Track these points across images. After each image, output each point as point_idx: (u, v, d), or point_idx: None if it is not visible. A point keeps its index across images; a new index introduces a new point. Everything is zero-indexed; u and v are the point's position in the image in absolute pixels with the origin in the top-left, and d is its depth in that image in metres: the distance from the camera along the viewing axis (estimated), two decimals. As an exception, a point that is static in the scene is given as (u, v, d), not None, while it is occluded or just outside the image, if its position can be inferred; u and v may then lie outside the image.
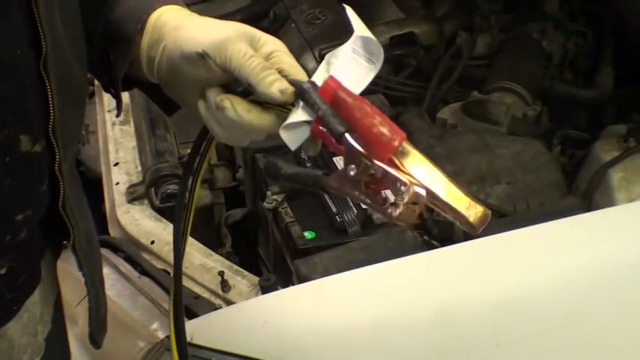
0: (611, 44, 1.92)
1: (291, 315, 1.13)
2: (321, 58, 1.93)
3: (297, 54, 1.82)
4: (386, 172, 0.73)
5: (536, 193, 1.51)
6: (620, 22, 1.93)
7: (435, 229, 1.45)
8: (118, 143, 1.80)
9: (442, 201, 0.74)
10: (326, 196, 1.49)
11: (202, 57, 0.82)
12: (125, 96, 1.91)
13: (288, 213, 1.46)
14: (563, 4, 2.03)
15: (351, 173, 0.75)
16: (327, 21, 2.03)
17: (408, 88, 1.93)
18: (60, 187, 0.87)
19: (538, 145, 1.60)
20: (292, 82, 0.80)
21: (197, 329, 1.15)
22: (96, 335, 1.05)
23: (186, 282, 1.45)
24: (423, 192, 0.72)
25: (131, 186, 1.67)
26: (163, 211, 1.62)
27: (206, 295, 1.41)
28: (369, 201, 0.75)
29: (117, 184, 1.69)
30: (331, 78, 0.79)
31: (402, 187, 0.71)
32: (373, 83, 2.11)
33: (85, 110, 0.95)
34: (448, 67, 1.92)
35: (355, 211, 1.44)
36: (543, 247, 1.14)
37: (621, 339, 1.01)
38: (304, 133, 0.81)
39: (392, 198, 0.73)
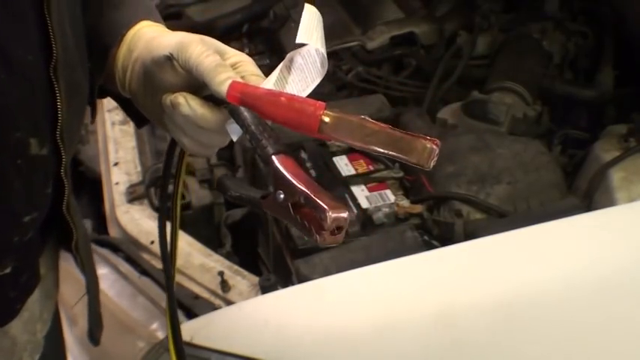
0: (611, 44, 1.92)
1: (291, 315, 1.13)
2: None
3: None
4: (308, 197, 0.73)
5: (536, 193, 1.50)
6: (620, 22, 1.93)
7: (435, 229, 1.45)
8: (117, 143, 1.79)
9: (383, 152, 0.74)
10: (326, 196, 1.48)
11: (169, 59, 0.83)
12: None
13: (288, 213, 1.46)
14: (564, 4, 2.03)
15: (280, 197, 0.75)
16: (327, 21, 2.03)
17: (408, 88, 1.93)
18: (64, 189, 0.88)
19: (538, 145, 1.60)
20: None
21: (197, 329, 1.15)
22: (95, 332, 1.07)
23: (186, 282, 1.45)
24: (343, 215, 0.71)
25: (131, 186, 1.67)
26: (163, 211, 1.62)
27: (206, 295, 1.41)
28: (297, 227, 0.75)
29: (117, 184, 1.69)
30: (233, 83, 0.79)
31: (322, 214, 0.71)
32: (373, 83, 2.11)
33: (86, 112, 0.96)
34: (448, 67, 1.92)
35: (355, 211, 1.44)
36: (543, 247, 1.13)
37: (622, 339, 1.01)
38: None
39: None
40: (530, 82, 1.81)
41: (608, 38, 1.94)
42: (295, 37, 0.80)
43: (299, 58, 0.82)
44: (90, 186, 1.88)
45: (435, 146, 0.74)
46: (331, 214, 0.71)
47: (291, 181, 0.74)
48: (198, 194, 1.67)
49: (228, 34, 2.05)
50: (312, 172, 1.55)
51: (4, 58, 0.77)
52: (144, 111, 0.92)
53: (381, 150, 0.74)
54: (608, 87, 1.84)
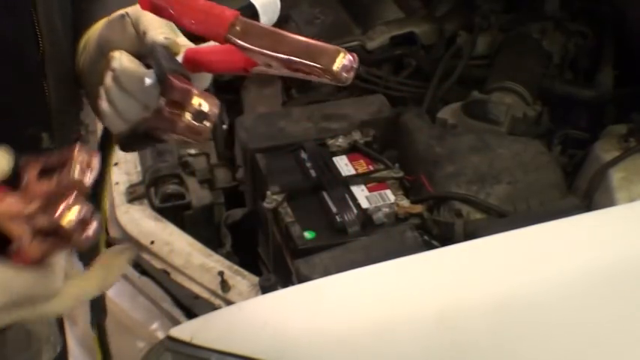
0: (611, 44, 1.92)
1: (291, 315, 1.13)
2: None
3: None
4: (181, 88, 0.70)
5: (536, 193, 1.50)
6: (620, 22, 1.93)
7: (435, 229, 1.45)
8: (117, 143, 1.79)
9: (293, 60, 0.70)
10: (326, 196, 1.49)
11: (123, 17, 0.82)
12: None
13: (288, 213, 1.46)
14: (564, 4, 2.03)
15: (161, 104, 0.72)
16: (327, 21, 2.04)
17: (408, 88, 1.93)
18: None
19: (538, 145, 1.60)
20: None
21: (197, 329, 1.15)
22: (100, 320, 1.07)
23: (186, 282, 1.45)
24: (211, 102, 0.69)
25: (131, 186, 1.67)
26: (163, 211, 1.62)
27: (206, 295, 1.41)
28: (168, 126, 0.71)
29: (117, 184, 1.69)
30: None
31: (187, 95, 0.69)
32: (373, 83, 2.12)
33: (84, 107, 0.97)
34: (448, 67, 1.92)
35: (355, 211, 1.44)
36: (543, 247, 1.13)
37: (622, 339, 1.01)
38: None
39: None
40: (530, 82, 1.81)
41: (608, 38, 1.94)
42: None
43: None
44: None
45: (349, 55, 0.70)
46: (196, 95, 0.69)
47: (173, 82, 0.71)
48: (198, 194, 1.67)
49: (228, 34, 2.05)
50: (312, 172, 1.55)
51: (14, 57, 0.79)
52: (88, 94, 0.91)
53: (292, 58, 0.70)
54: (608, 87, 1.84)
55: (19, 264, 0.68)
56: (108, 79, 0.81)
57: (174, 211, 1.63)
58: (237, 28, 0.72)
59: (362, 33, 2.02)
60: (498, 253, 1.14)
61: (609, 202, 1.43)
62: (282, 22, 2.06)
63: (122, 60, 0.79)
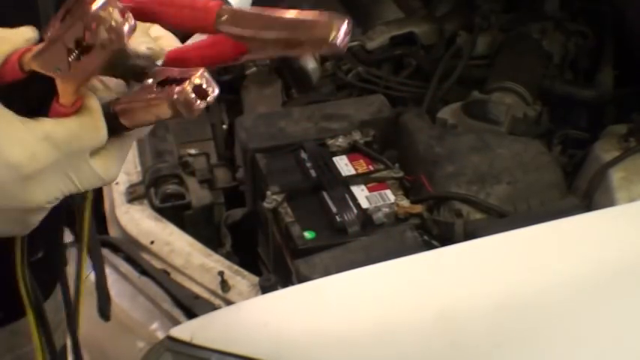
0: (611, 44, 1.92)
1: (291, 315, 1.13)
2: (322, 57, 1.94)
3: (297, 54, 1.82)
4: (182, 71, 0.68)
5: (536, 193, 1.51)
6: (620, 22, 1.93)
7: (435, 229, 1.45)
8: (117, 143, 1.79)
9: (287, 38, 0.68)
10: (326, 196, 1.49)
11: None
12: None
13: (288, 213, 1.46)
14: (564, 4, 2.03)
15: (148, 82, 0.70)
16: (327, 21, 2.03)
17: (408, 88, 1.93)
18: None
19: (538, 145, 1.60)
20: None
21: (197, 329, 1.15)
22: (104, 308, 1.08)
23: (186, 282, 1.45)
24: (208, 80, 0.67)
25: (131, 186, 1.67)
26: (163, 211, 1.62)
27: (206, 295, 1.41)
28: (148, 96, 0.69)
29: (117, 184, 1.69)
30: None
31: (190, 72, 0.67)
32: (373, 83, 2.12)
33: None
34: (448, 67, 1.92)
35: (355, 211, 1.44)
36: (543, 247, 1.13)
37: (622, 340, 1.01)
38: None
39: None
40: (530, 82, 1.81)
41: (608, 38, 1.94)
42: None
43: None
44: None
45: (342, 22, 0.67)
46: (200, 73, 0.67)
47: (168, 69, 0.71)
48: (198, 194, 1.67)
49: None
50: (312, 172, 1.55)
51: None
52: None
53: (285, 36, 0.68)
54: (608, 87, 1.85)
55: (59, 115, 0.66)
56: None
57: (174, 211, 1.63)
58: (225, 17, 0.70)
59: (362, 33, 2.02)
60: (498, 253, 1.14)
61: (609, 202, 1.43)
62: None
63: None
